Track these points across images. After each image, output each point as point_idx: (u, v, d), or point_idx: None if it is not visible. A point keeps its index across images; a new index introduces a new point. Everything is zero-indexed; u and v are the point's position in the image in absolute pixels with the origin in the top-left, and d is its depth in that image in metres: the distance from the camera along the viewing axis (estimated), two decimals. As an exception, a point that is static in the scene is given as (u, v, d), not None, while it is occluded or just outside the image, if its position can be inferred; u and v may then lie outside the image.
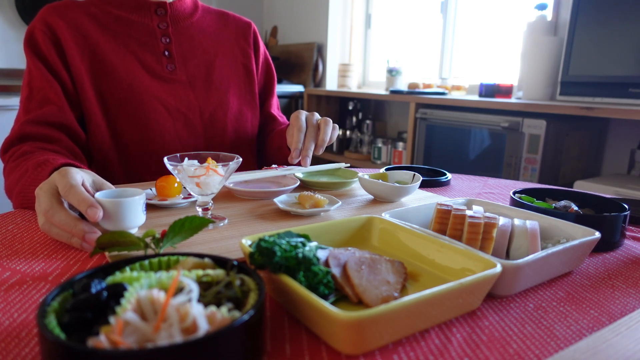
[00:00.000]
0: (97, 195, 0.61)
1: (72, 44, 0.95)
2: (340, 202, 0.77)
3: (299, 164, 0.98)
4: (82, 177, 0.63)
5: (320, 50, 3.19)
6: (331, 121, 0.92)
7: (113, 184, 1.02)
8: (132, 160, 1.00)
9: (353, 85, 3.14)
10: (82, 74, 0.95)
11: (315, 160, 3.41)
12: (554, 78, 2.05)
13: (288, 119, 1.15)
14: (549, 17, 2.11)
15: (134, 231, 0.63)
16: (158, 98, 1.00)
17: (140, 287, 0.38)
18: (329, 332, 0.40)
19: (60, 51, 0.94)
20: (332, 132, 0.91)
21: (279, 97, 1.26)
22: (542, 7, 2.06)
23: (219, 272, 0.42)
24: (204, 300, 0.39)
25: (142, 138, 0.99)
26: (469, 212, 0.59)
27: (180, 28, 1.06)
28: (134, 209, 0.61)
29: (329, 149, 3.08)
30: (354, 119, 3.06)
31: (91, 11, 0.99)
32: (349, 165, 1.02)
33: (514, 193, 0.79)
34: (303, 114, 0.92)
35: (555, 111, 1.80)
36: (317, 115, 0.93)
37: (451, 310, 0.45)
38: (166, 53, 1.03)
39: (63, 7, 0.97)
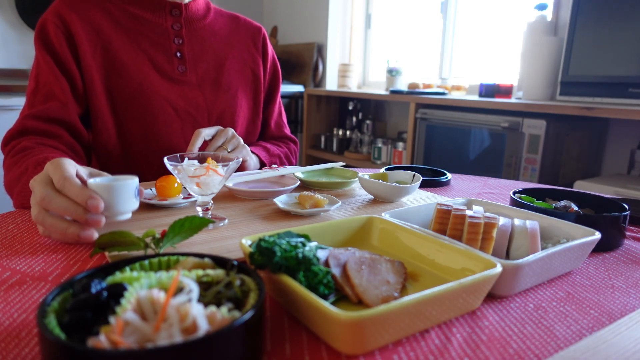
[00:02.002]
0: (90, 181, 0.60)
1: (84, 38, 0.94)
2: (340, 202, 0.77)
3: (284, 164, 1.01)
4: (75, 167, 0.62)
5: (320, 50, 3.19)
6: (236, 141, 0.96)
7: None
8: (136, 160, 1.00)
9: (353, 85, 3.14)
10: (93, 70, 0.95)
11: (314, 161, 3.40)
12: (554, 78, 2.05)
13: (288, 119, 1.16)
14: (549, 17, 2.11)
15: (128, 216, 0.63)
16: (167, 99, 0.99)
17: (140, 287, 0.38)
18: (329, 332, 0.40)
19: (72, 45, 0.94)
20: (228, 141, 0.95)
21: (280, 97, 1.27)
22: (542, 7, 2.06)
23: (219, 272, 0.42)
24: (204, 300, 0.39)
25: (148, 138, 0.99)
26: (469, 212, 0.59)
27: (192, 30, 1.06)
28: (125, 193, 0.60)
29: (329, 149, 3.08)
30: (354, 119, 3.07)
31: (106, 6, 0.98)
32: (344, 164, 1.03)
33: (514, 193, 0.79)
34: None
35: (555, 111, 1.80)
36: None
37: (451, 310, 0.45)
38: (178, 54, 1.03)
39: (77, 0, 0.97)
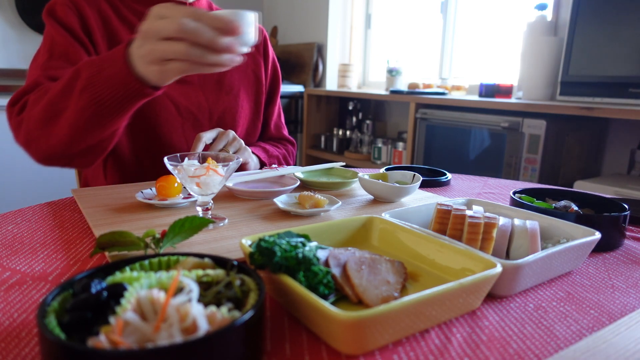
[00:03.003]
0: (215, 13, 0.60)
1: (94, 25, 0.94)
2: (340, 202, 0.77)
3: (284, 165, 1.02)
4: None
5: (320, 50, 3.19)
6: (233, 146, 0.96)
7: (120, 180, 1.01)
8: (140, 158, 1.00)
9: (353, 85, 3.14)
10: (103, 52, 0.94)
11: (314, 161, 3.40)
12: (554, 78, 2.05)
13: (288, 119, 1.16)
14: (549, 17, 2.11)
15: (246, 50, 0.63)
16: (169, 96, 0.99)
17: (140, 287, 0.38)
18: (329, 332, 0.40)
19: (84, 26, 0.93)
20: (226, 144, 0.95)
21: (280, 97, 1.28)
22: (542, 7, 2.06)
23: (219, 272, 0.42)
24: (204, 300, 0.39)
25: (149, 134, 0.99)
26: (469, 212, 0.59)
27: None
28: (251, 23, 0.61)
29: (329, 149, 3.08)
30: (354, 119, 3.06)
31: (112, 1, 0.99)
32: (344, 164, 1.03)
33: (514, 193, 0.79)
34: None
35: (555, 111, 1.80)
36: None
37: (451, 310, 0.45)
38: None
39: None
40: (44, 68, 0.87)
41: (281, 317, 0.46)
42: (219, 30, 0.58)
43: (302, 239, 0.49)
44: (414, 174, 0.89)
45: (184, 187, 0.80)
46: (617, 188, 1.67)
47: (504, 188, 1.04)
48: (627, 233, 0.74)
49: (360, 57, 3.28)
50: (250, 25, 0.62)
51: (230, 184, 0.85)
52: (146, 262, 0.45)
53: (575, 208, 0.72)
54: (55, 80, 0.85)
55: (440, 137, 2.29)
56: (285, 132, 1.26)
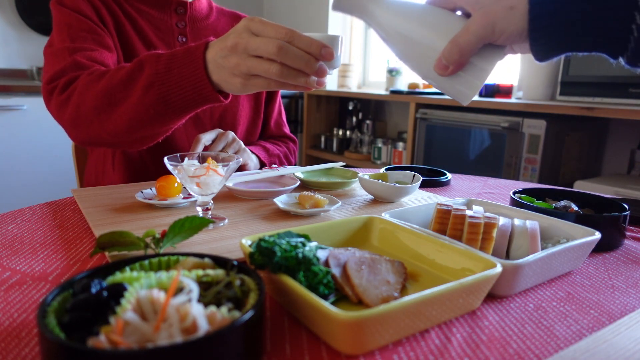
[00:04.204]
0: (311, 37, 0.59)
1: (107, 15, 0.94)
2: (340, 202, 0.77)
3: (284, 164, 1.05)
4: None
5: (320, 50, 3.19)
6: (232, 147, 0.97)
7: (125, 176, 1.02)
8: (140, 152, 1.01)
9: (353, 85, 3.14)
10: (116, 44, 0.95)
11: (314, 161, 3.40)
12: (554, 78, 2.05)
13: (288, 119, 1.16)
14: (549, 17, 2.11)
15: (330, 73, 0.63)
16: None
17: (140, 287, 0.38)
18: (329, 332, 0.40)
19: (98, 15, 0.93)
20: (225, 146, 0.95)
21: (280, 96, 1.28)
22: (542, 7, 2.06)
23: (219, 272, 0.42)
24: (204, 300, 0.39)
25: None
26: (469, 212, 0.59)
27: (196, 29, 1.07)
28: (340, 46, 0.62)
29: (329, 149, 3.08)
30: (354, 119, 3.07)
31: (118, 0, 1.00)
32: (344, 164, 1.03)
33: (514, 193, 0.79)
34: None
35: (555, 111, 1.80)
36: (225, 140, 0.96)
37: (451, 310, 0.45)
38: None
39: None
40: (73, 50, 0.85)
41: (281, 317, 0.46)
42: (314, 55, 0.58)
43: (302, 239, 0.49)
44: (414, 174, 0.89)
45: (184, 187, 0.80)
46: (617, 188, 1.67)
47: (504, 188, 1.04)
48: (627, 233, 0.74)
49: (360, 57, 3.28)
50: (339, 49, 0.62)
51: (230, 184, 0.85)
52: (146, 262, 0.45)
53: (575, 208, 0.72)
54: (96, 61, 0.84)
55: (440, 137, 2.29)
56: (287, 129, 1.26)
